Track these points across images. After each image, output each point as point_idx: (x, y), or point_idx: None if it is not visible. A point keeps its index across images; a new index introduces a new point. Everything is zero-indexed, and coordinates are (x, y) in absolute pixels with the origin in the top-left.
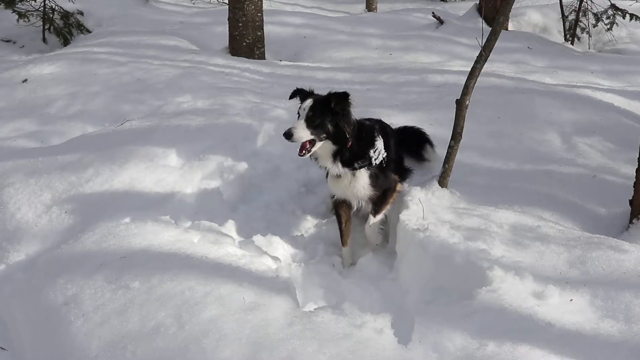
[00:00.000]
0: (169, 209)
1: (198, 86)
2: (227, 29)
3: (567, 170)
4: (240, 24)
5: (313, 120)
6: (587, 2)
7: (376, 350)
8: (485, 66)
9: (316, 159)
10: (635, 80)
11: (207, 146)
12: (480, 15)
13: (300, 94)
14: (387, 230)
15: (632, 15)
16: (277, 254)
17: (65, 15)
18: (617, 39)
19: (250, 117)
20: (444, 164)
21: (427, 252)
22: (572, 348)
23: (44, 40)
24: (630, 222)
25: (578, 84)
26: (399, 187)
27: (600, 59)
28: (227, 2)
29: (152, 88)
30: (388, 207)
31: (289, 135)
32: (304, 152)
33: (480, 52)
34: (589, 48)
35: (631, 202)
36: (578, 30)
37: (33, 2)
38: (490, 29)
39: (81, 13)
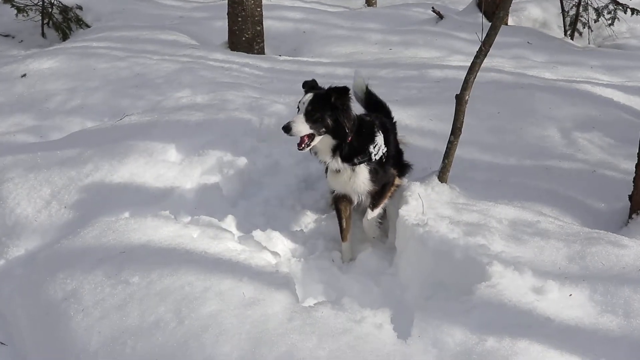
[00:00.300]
0: (169, 204)
1: (197, 81)
2: (227, 23)
3: (566, 165)
4: (240, 19)
5: (312, 115)
6: None
7: (376, 345)
8: (485, 61)
9: (315, 153)
10: (635, 76)
11: (206, 141)
12: (480, 10)
13: (306, 86)
14: (387, 225)
15: (633, 10)
16: (277, 249)
17: (64, 9)
18: (617, 33)
19: (250, 112)
20: (443, 159)
21: (427, 248)
22: (571, 343)
23: (43, 35)
24: (630, 217)
25: (578, 79)
26: (397, 181)
27: (600, 54)
28: None
29: (152, 83)
30: (386, 201)
31: (287, 129)
32: (303, 146)
33: (480, 47)
34: (589, 43)
35: (630, 198)
36: (579, 25)
37: None
38: (490, 23)
39: (80, 8)
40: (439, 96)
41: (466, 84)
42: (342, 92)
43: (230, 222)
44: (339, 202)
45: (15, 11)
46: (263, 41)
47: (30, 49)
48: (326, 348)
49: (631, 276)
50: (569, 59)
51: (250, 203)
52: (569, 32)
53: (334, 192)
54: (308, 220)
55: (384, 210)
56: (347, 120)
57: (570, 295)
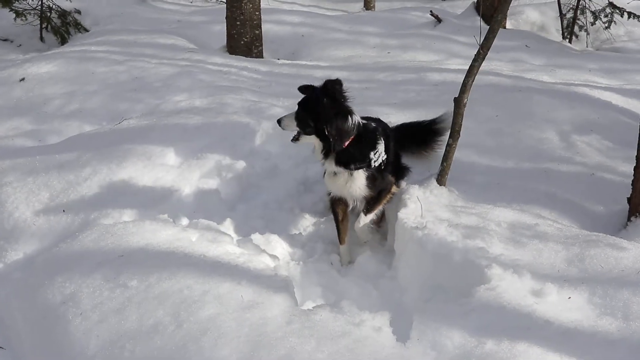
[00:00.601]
0: (167, 208)
1: (196, 85)
2: (225, 27)
3: (565, 168)
4: (238, 23)
5: (299, 116)
6: (584, 0)
7: (374, 349)
8: (483, 64)
9: (313, 151)
10: (633, 79)
11: (205, 145)
12: (478, 14)
13: (305, 91)
14: (386, 228)
15: (630, 14)
16: (276, 252)
17: (63, 14)
18: (615, 37)
19: (248, 116)
20: (442, 162)
21: (426, 251)
22: (570, 345)
23: (42, 39)
24: (629, 220)
25: (576, 82)
26: (394, 189)
27: (598, 57)
28: (225, 1)
29: (150, 87)
30: (380, 207)
31: (279, 122)
32: (292, 138)
33: (478, 51)
34: (587, 46)
35: (629, 200)
36: (576, 29)
37: (30, 0)
38: (488, 27)
39: (79, 12)
40: (437, 99)
41: (464, 87)
42: (328, 107)
43: (228, 226)
44: (336, 204)
45: (14, 15)
46: (261, 45)
47: (29, 53)
48: (325, 351)
49: (630, 279)
50: (567, 62)
51: (249, 206)
52: (567, 36)
53: (330, 193)
54: (307, 224)
55: (382, 213)
56: (330, 129)
57: (569, 298)
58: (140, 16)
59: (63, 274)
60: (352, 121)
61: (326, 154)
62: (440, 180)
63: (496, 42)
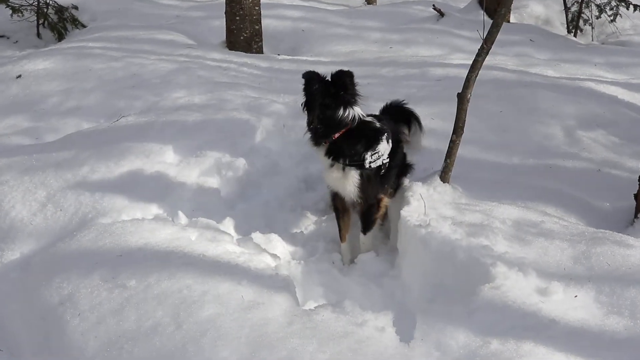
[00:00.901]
0: (166, 206)
1: (195, 81)
2: (224, 22)
3: (570, 164)
4: (238, 18)
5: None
6: None
7: (377, 349)
8: (487, 59)
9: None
10: (639, 73)
11: (204, 142)
12: (482, 8)
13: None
14: (388, 226)
15: (635, 7)
16: (276, 251)
17: (60, 9)
18: (621, 30)
19: (248, 113)
20: (445, 159)
21: (429, 249)
22: (576, 345)
23: (38, 35)
24: (635, 216)
25: (581, 77)
26: (384, 201)
27: (603, 51)
28: None
29: (148, 83)
30: (376, 225)
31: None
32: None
33: (482, 45)
34: (592, 40)
35: (636, 197)
36: (581, 22)
37: None
38: (492, 21)
39: (76, 7)
40: (441, 95)
41: (468, 82)
42: (318, 90)
43: (228, 224)
44: (337, 199)
45: (10, 11)
46: (261, 40)
47: (26, 50)
48: (327, 352)
49: (637, 277)
50: (572, 56)
51: (249, 205)
52: (572, 29)
53: (329, 186)
54: (308, 222)
55: (385, 211)
56: (313, 113)
57: (576, 296)
58: (138, 12)
59: (60, 274)
60: (346, 113)
61: (316, 141)
62: (444, 177)
63: (500, 36)
